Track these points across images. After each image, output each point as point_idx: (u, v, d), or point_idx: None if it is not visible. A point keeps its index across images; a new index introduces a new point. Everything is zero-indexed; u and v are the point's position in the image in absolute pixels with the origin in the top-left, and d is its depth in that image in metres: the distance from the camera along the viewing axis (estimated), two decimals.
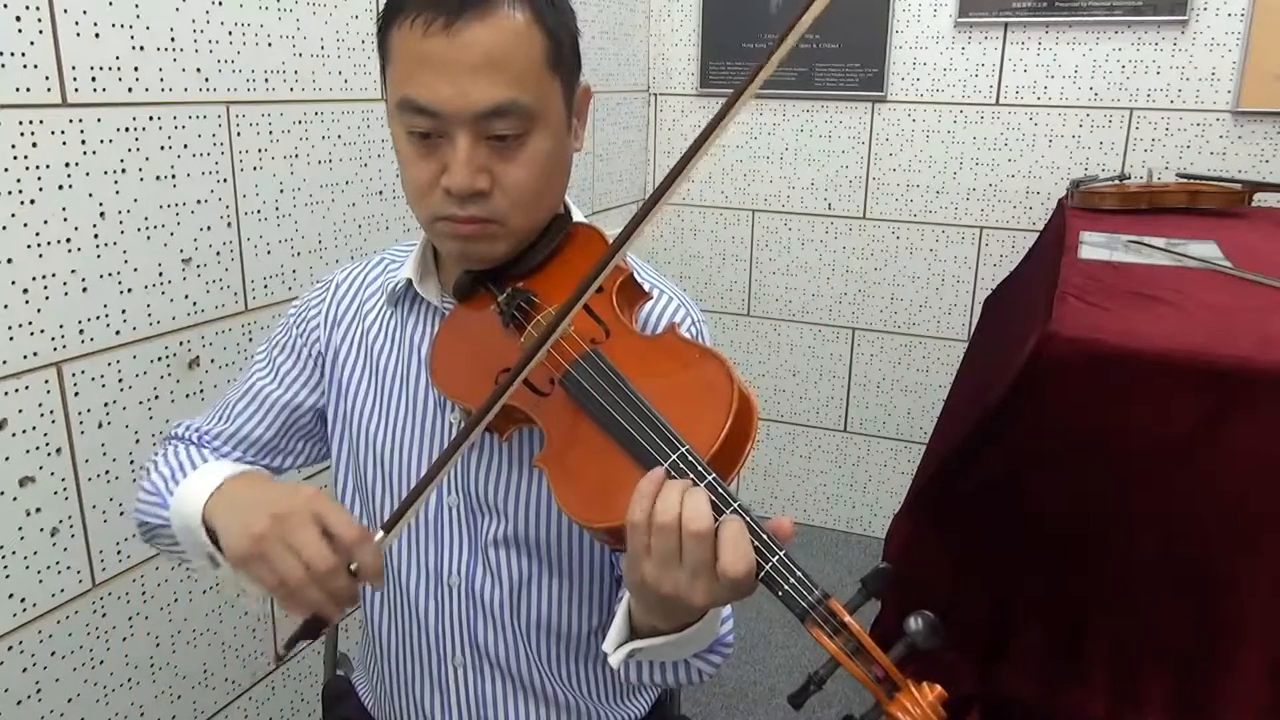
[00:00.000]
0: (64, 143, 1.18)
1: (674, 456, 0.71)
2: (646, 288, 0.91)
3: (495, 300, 0.90)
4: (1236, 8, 2.24)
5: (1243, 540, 1.10)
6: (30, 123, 1.14)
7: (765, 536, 0.68)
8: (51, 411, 1.21)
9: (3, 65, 1.10)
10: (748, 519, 0.68)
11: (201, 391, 1.42)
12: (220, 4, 1.37)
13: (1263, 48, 2.22)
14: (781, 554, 0.67)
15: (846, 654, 0.65)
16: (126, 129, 1.26)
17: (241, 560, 0.78)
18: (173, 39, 1.30)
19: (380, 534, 0.78)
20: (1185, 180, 2.15)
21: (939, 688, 0.64)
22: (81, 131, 1.20)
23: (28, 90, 1.13)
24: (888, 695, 0.64)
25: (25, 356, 1.17)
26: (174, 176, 1.33)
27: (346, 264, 1.08)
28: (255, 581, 0.77)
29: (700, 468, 0.70)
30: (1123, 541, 1.15)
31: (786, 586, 0.67)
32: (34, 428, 1.19)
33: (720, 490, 0.69)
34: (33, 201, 1.15)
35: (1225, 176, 2.18)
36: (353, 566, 0.75)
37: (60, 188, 1.18)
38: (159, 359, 1.35)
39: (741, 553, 0.66)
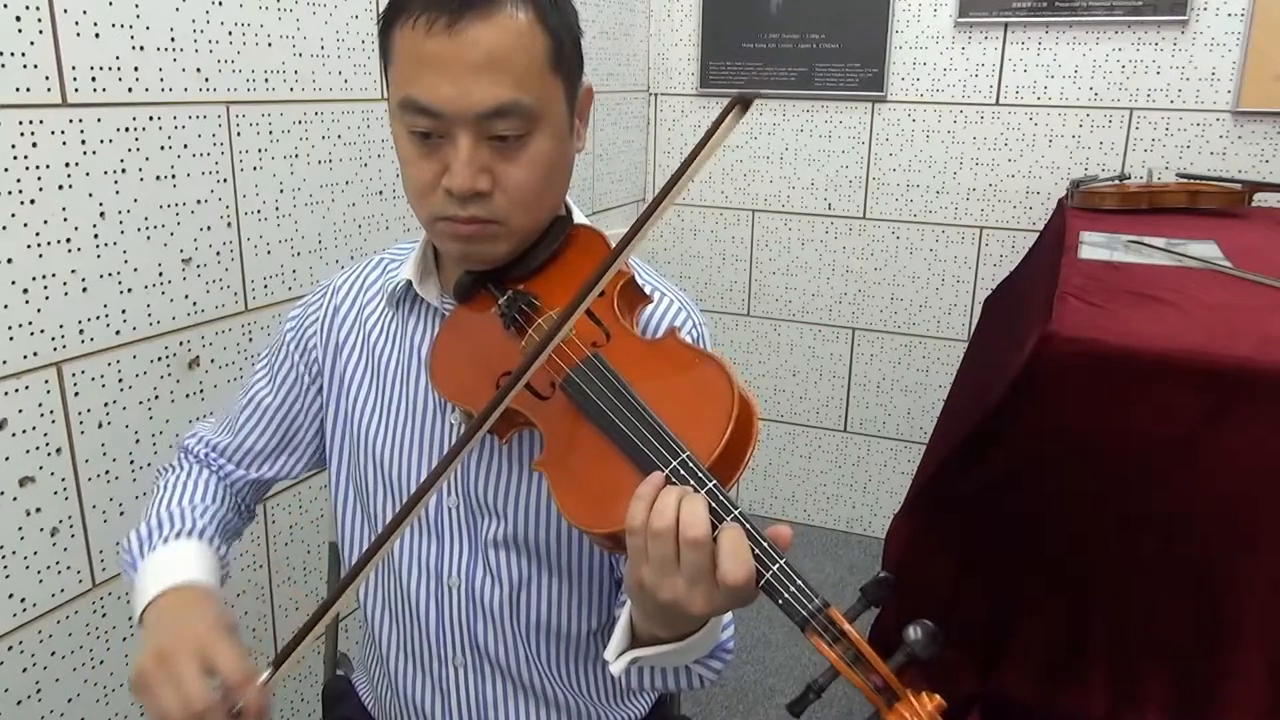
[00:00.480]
0: (64, 143, 1.18)
1: (674, 463, 0.70)
2: (648, 290, 0.91)
3: (496, 302, 0.89)
4: (1236, 8, 2.24)
5: (1243, 540, 1.10)
6: (30, 123, 1.14)
7: (766, 544, 0.68)
8: (51, 411, 1.21)
9: (3, 65, 1.10)
10: (748, 526, 0.68)
11: (201, 392, 1.42)
12: (220, 4, 1.37)
13: (1263, 48, 2.22)
14: (782, 562, 0.67)
15: (846, 663, 0.65)
16: (126, 129, 1.26)
17: (133, 691, 0.80)
18: (173, 39, 1.30)
19: (267, 672, 0.78)
20: (1185, 180, 2.15)
21: (938, 698, 0.64)
22: (81, 131, 1.20)
23: (28, 90, 1.13)
24: (887, 704, 0.64)
25: (25, 356, 1.17)
26: (174, 176, 1.33)
27: (344, 267, 1.08)
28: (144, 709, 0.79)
29: (701, 474, 0.70)
30: (1123, 541, 1.15)
31: (787, 595, 0.66)
32: (34, 428, 1.19)
33: (721, 497, 0.69)
34: (33, 201, 1.15)
35: (1225, 176, 2.18)
36: (236, 707, 0.76)
37: (60, 188, 1.18)
38: (159, 359, 1.35)
39: (741, 560, 0.66)
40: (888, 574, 0.67)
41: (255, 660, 1.57)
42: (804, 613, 0.66)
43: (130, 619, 1.35)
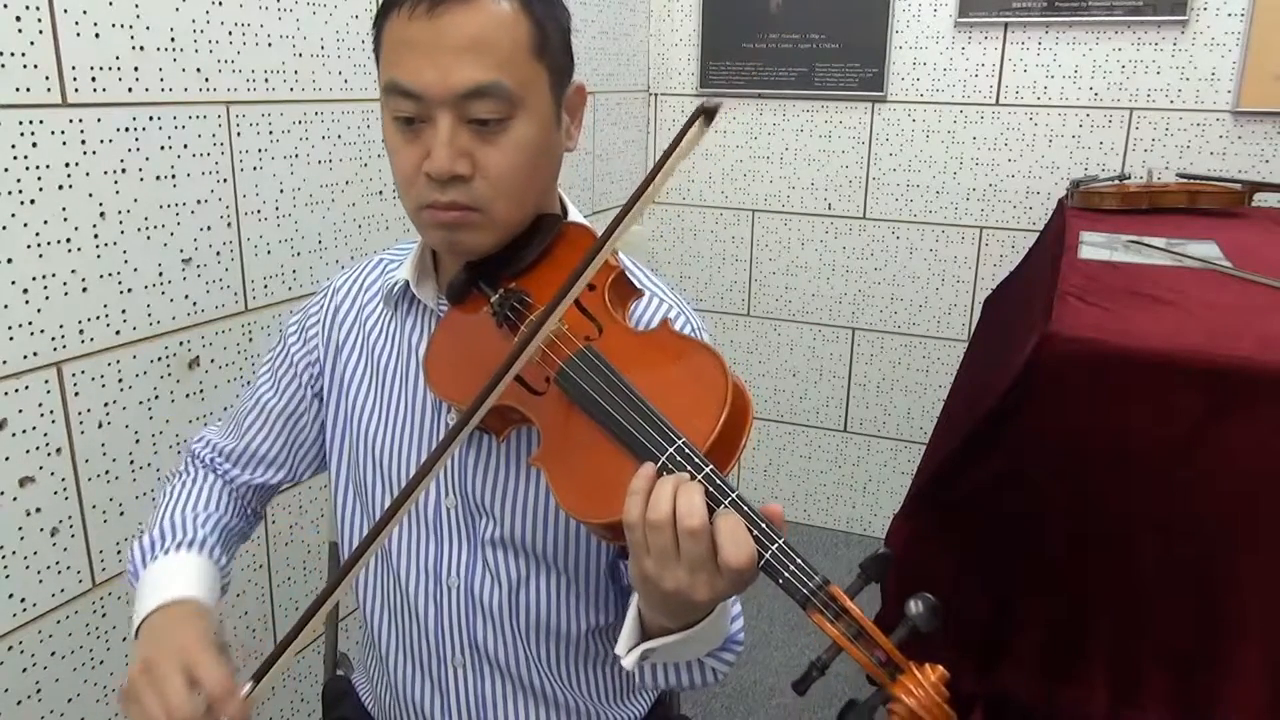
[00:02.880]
0: (64, 143, 1.18)
1: (670, 450, 0.71)
2: (638, 286, 0.91)
3: (489, 301, 0.90)
4: (1236, 8, 2.24)
5: (1243, 540, 1.10)
6: (30, 123, 1.14)
7: (764, 525, 0.68)
8: (51, 411, 1.21)
9: (3, 65, 1.10)
10: (745, 508, 0.68)
11: (201, 392, 1.42)
12: (220, 4, 1.37)
13: (1263, 48, 2.22)
14: (781, 541, 0.68)
15: (848, 638, 0.65)
16: (126, 129, 1.26)
17: (120, 701, 0.81)
18: (173, 39, 1.30)
19: (249, 685, 0.79)
20: (1185, 180, 2.15)
21: (940, 668, 0.64)
22: (81, 131, 1.20)
23: (28, 90, 1.13)
24: (890, 677, 0.65)
25: (25, 356, 1.17)
26: (174, 176, 1.33)
27: (343, 268, 1.08)
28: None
29: (697, 459, 0.70)
30: (1123, 541, 1.15)
31: (787, 574, 0.67)
32: (34, 428, 1.19)
33: (718, 481, 0.69)
34: (33, 201, 1.15)
35: (1225, 176, 2.18)
36: (218, 718, 0.77)
37: (60, 188, 1.18)
38: (159, 359, 1.35)
39: (741, 543, 0.67)
40: (886, 549, 0.67)
41: (256, 660, 1.57)
42: (805, 590, 0.66)
43: (130, 619, 1.35)
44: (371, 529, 0.77)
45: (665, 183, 0.75)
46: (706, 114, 0.71)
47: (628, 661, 0.80)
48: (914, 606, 0.65)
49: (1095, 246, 1.66)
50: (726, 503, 0.68)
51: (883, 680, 0.65)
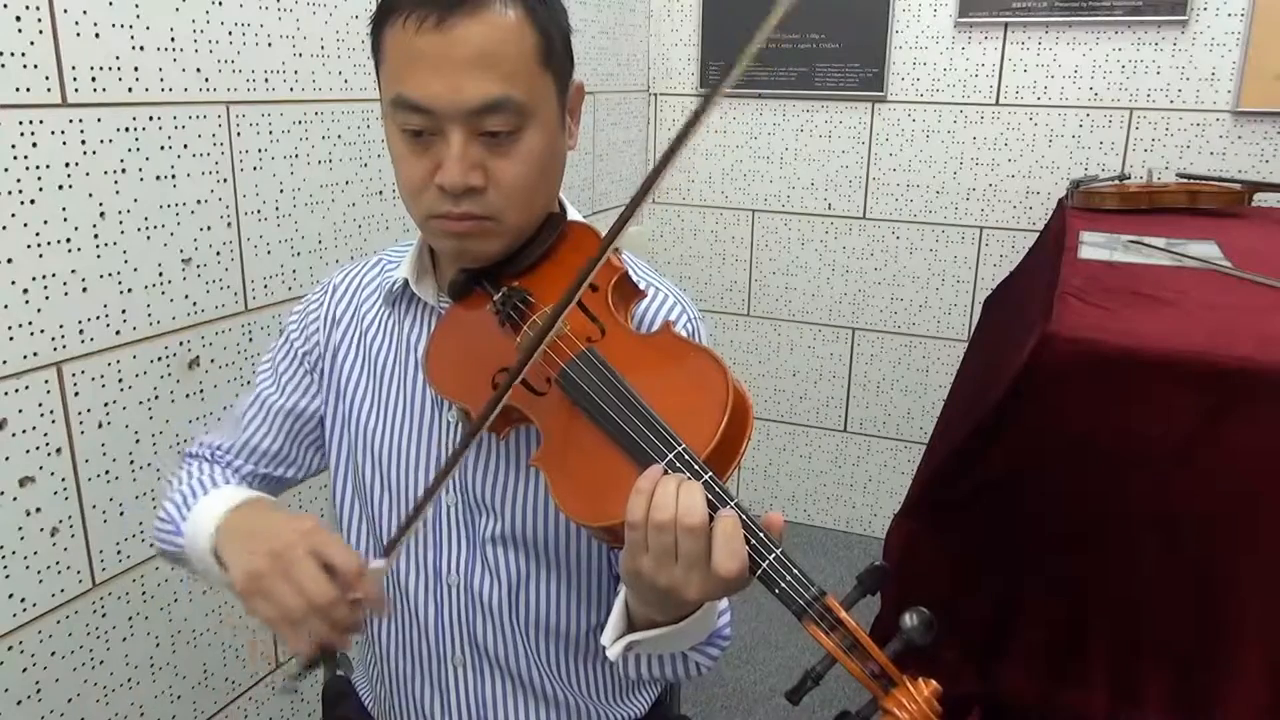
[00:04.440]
0: (64, 143, 1.18)
1: (670, 455, 0.71)
2: (642, 286, 0.91)
3: (491, 299, 0.90)
4: (1236, 8, 2.24)
5: (1243, 540, 1.10)
6: (30, 123, 1.14)
7: (762, 534, 0.68)
8: (51, 411, 1.21)
9: (3, 65, 1.10)
10: (744, 517, 0.69)
11: (201, 391, 1.42)
12: (220, 4, 1.37)
13: (1263, 48, 2.22)
14: (778, 552, 0.68)
15: (843, 650, 0.65)
16: (126, 129, 1.26)
17: (245, 596, 0.80)
18: (173, 39, 1.30)
19: (380, 561, 0.80)
20: (1185, 180, 2.15)
21: (934, 683, 0.64)
22: (81, 131, 1.20)
23: (28, 90, 1.13)
24: (884, 691, 0.65)
25: (25, 356, 1.17)
26: (174, 176, 1.33)
27: (343, 266, 1.08)
28: (257, 614, 0.79)
29: (697, 466, 0.70)
30: (1123, 541, 1.15)
31: (783, 584, 0.67)
32: (34, 428, 1.19)
33: (717, 488, 0.69)
34: (33, 201, 1.15)
35: (1225, 176, 2.18)
36: (354, 596, 0.77)
37: (60, 188, 1.18)
38: (159, 359, 1.35)
39: (733, 550, 0.67)
40: (883, 562, 0.67)
41: (256, 660, 1.56)
42: (800, 601, 0.66)
43: (130, 619, 1.35)
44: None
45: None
46: None
47: (612, 652, 0.80)
48: (909, 620, 0.65)
49: (1095, 246, 1.66)
50: (726, 508, 0.68)
51: (876, 693, 0.65)
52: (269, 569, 0.77)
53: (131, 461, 1.32)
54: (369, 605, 0.78)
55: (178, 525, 0.95)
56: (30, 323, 1.17)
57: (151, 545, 1.28)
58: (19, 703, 1.21)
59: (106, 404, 1.28)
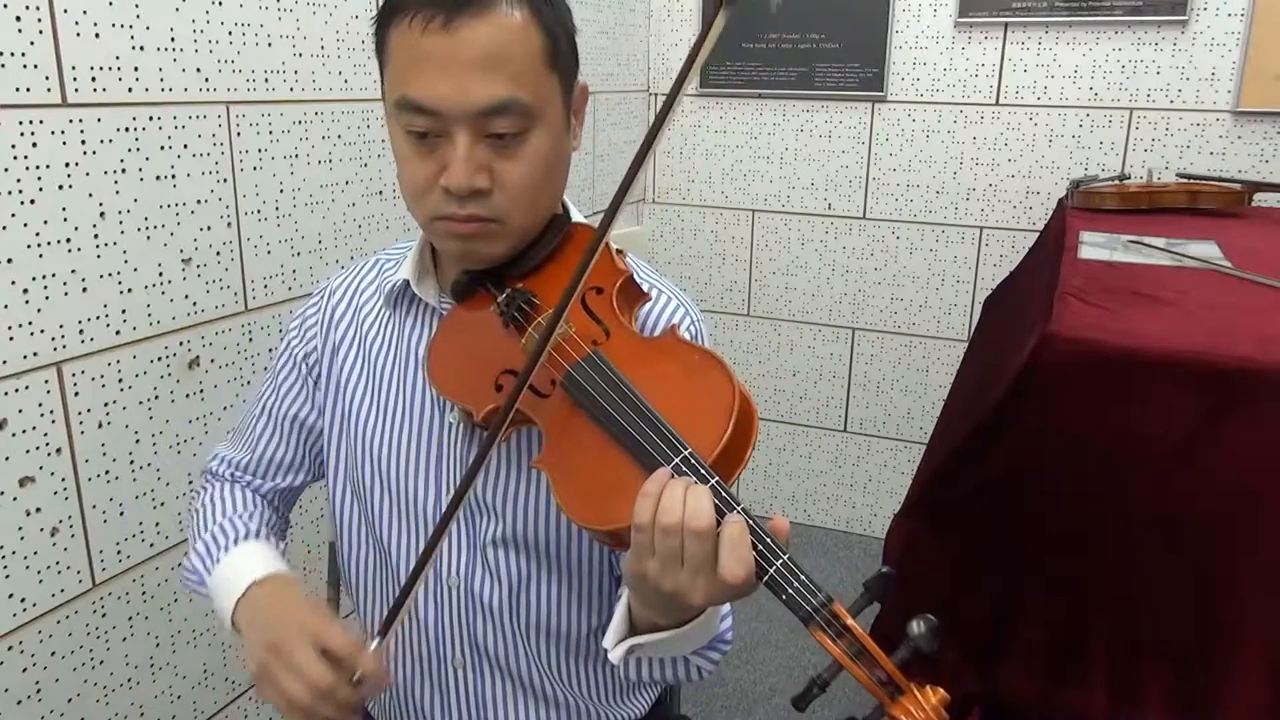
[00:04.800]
0: (64, 143, 1.18)
1: (676, 459, 0.70)
2: (646, 288, 0.91)
3: (494, 300, 0.89)
4: (1236, 8, 2.24)
5: (1243, 540, 1.10)
6: (30, 123, 1.14)
7: (769, 540, 0.68)
8: (51, 411, 1.21)
9: (3, 65, 1.10)
10: (751, 522, 0.68)
11: (201, 392, 1.42)
12: (220, 4, 1.37)
13: (1263, 48, 2.22)
14: (786, 558, 0.67)
15: (850, 657, 0.65)
16: (126, 129, 1.26)
17: (256, 684, 0.83)
18: (173, 39, 1.30)
19: (376, 640, 0.82)
20: (1185, 180, 2.15)
21: (942, 691, 0.64)
22: (81, 131, 1.20)
23: (28, 90, 1.13)
24: (891, 698, 0.64)
25: (25, 356, 1.17)
26: (174, 176, 1.33)
27: (340, 270, 1.08)
28: (269, 701, 0.82)
29: (703, 471, 0.70)
30: (1123, 541, 1.15)
31: (790, 590, 0.67)
32: (34, 428, 1.19)
33: (724, 493, 0.69)
34: (33, 201, 1.15)
35: (1225, 176, 2.18)
36: (355, 676, 0.80)
37: (60, 188, 1.18)
38: (159, 359, 1.35)
39: (740, 556, 0.67)
40: (889, 569, 0.67)
41: None
42: (808, 608, 0.66)
43: (130, 619, 1.35)
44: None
45: (689, 83, 0.73)
46: (727, 1, 0.70)
47: (614, 655, 0.80)
48: (916, 627, 0.64)
49: (1095, 246, 1.66)
50: (732, 513, 0.68)
51: (883, 700, 0.65)
52: (271, 661, 0.80)
53: (131, 461, 1.32)
54: (371, 682, 0.81)
55: (202, 577, 0.98)
56: (30, 323, 1.17)
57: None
58: (19, 703, 1.21)
59: (106, 404, 1.28)
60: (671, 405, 0.74)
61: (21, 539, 1.19)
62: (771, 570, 0.67)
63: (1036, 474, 1.18)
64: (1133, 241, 1.67)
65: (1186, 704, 1.14)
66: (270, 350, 1.52)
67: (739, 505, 0.68)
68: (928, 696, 0.64)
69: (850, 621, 0.66)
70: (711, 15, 0.70)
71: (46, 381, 1.20)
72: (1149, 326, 1.19)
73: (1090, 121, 2.42)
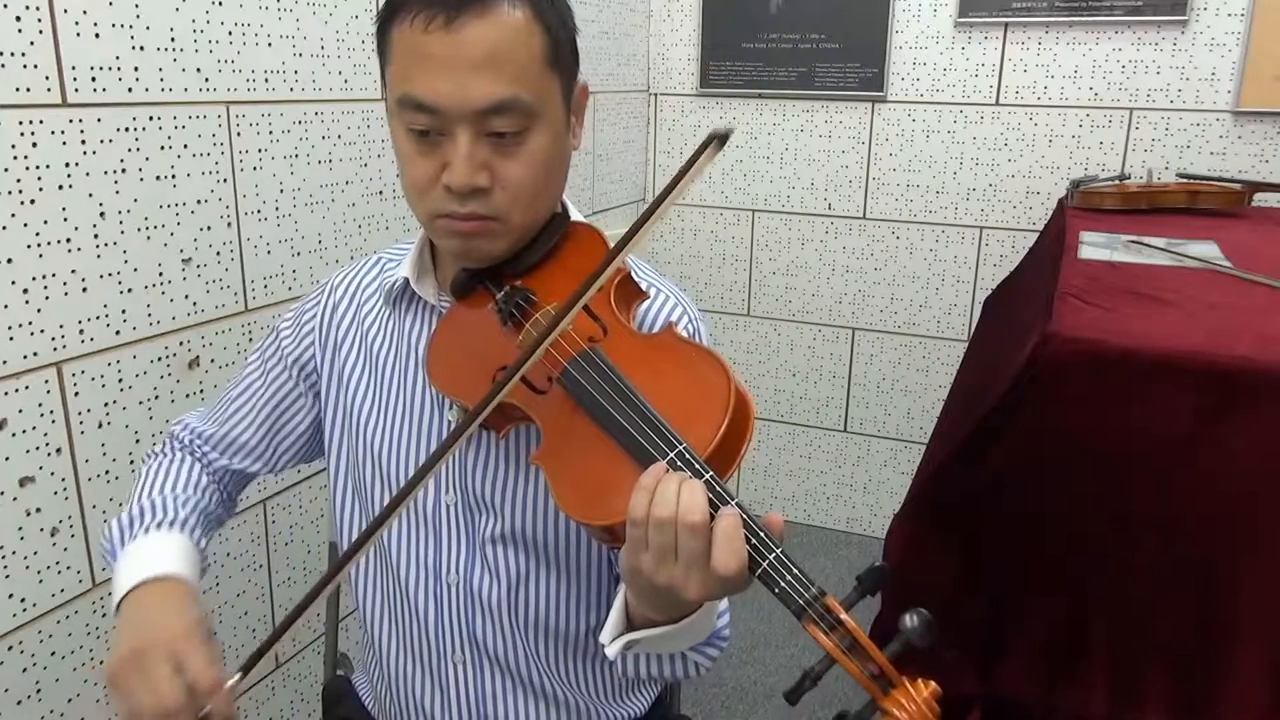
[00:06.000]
0: (64, 143, 1.18)
1: (671, 454, 0.71)
2: (644, 287, 0.92)
3: (493, 298, 0.90)
4: (1236, 8, 2.24)
5: (1243, 540, 1.10)
6: (30, 123, 1.14)
7: (762, 534, 0.69)
8: (51, 411, 1.21)
9: (3, 65, 1.10)
10: (745, 516, 0.69)
11: (201, 391, 1.42)
12: (220, 4, 1.37)
13: (1263, 48, 2.22)
14: (778, 551, 0.68)
15: (842, 650, 0.65)
16: (126, 129, 1.26)
17: (109, 683, 0.81)
18: (173, 39, 1.30)
19: (235, 677, 0.80)
20: (1185, 180, 2.15)
21: (934, 684, 0.64)
22: (81, 131, 1.20)
23: (28, 90, 1.13)
24: (883, 691, 0.65)
25: (25, 356, 1.17)
26: (174, 176, 1.33)
27: (341, 267, 1.08)
28: (116, 703, 0.80)
29: (698, 465, 0.70)
30: (1123, 541, 1.15)
31: (783, 584, 0.67)
32: (34, 428, 1.19)
33: (717, 488, 0.70)
34: (33, 201, 1.15)
35: (1225, 176, 2.18)
36: (203, 712, 0.77)
37: (60, 188, 1.18)
38: (159, 359, 1.35)
39: (734, 550, 0.67)
40: (883, 563, 0.68)
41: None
42: (800, 601, 0.66)
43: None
44: (370, 523, 0.78)
45: (675, 201, 0.75)
46: (719, 139, 0.71)
47: (611, 651, 0.80)
48: (909, 621, 0.65)
49: (1095, 246, 1.66)
50: (727, 508, 0.68)
51: (875, 693, 0.65)
52: (127, 665, 0.79)
53: (131, 461, 1.32)
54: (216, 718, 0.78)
55: (115, 550, 0.95)
56: (30, 323, 1.17)
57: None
58: (19, 703, 1.21)
59: (106, 404, 1.28)
60: (667, 401, 0.75)
61: (21, 539, 1.19)
62: (764, 564, 0.68)
63: (1036, 474, 1.18)
64: (1133, 241, 1.67)
65: (1186, 704, 1.14)
66: None
67: (734, 500, 0.69)
68: (919, 689, 0.64)
69: (843, 615, 0.66)
70: (701, 149, 0.72)
71: (46, 381, 1.20)
72: (1149, 326, 1.19)
73: (1090, 121, 2.42)
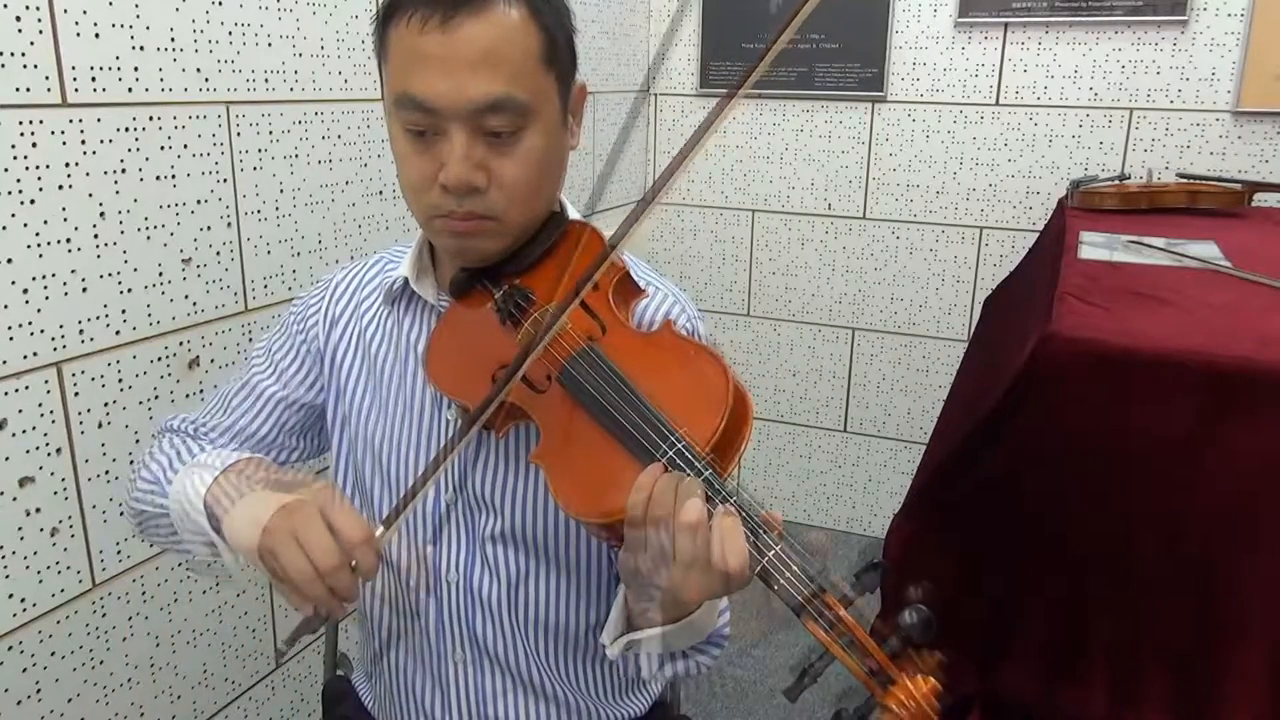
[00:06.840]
0: (64, 143, 1.18)
1: (670, 451, 0.71)
2: (642, 285, 0.92)
3: (492, 297, 0.90)
4: (1236, 8, 2.24)
5: (1243, 540, 1.10)
6: (30, 123, 1.14)
7: (761, 531, 0.69)
8: (51, 411, 1.21)
9: (3, 65, 1.10)
10: (744, 513, 0.69)
11: (201, 392, 1.42)
12: (220, 4, 1.37)
13: (1263, 48, 2.22)
14: (777, 549, 0.68)
15: (841, 647, 0.66)
16: (126, 129, 1.26)
17: (249, 551, 0.80)
18: (173, 39, 1.30)
19: (380, 529, 0.80)
20: (1185, 180, 2.15)
21: (933, 680, 0.65)
22: (81, 131, 1.20)
23: (28, 90, 1.13)
24: (881, 687, 0.65)
25: (25, 356, 1.17)
26: (174, 176, 1.33)
27: (345, 264, 1.08)
28: (262, 571, 0.79)
29: (697, 463, 0.70)
30: (1123, 541, 1.15)
31: (782, 580, 0.67)
32: (34, 428, 1.19)
33: (716, 485, 0.70)
34: (33, 201, 1.15)
35: (1225, 176, 2.18)
36: (351, 564, 0.77)
37: (60, 188, 1.18)
38: (159, 359, 1.35)
39: (734, 547, 0.67)
40: (881, 559, 0.68)
41: (256, 660, 1.56)
42: (799, 598, 0.67)
43: (130, 619, 1.35)
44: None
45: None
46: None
47: (612, 651, 0.81)
48: (908, 617, 0.65)
49: (1095, 246, 1.66)
50: (726, 505, 0.69)
51: (874, 690, 0.65)
52: (279, 526, 0.78)
53: (131, 462, 1.32)
54: (363, 575, 0.78)
55: (162, 485, 0.93)
56: (30, 323, 1.17)
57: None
58: (19, 703, 1.21)
59: (106, 404, 1.28)
60: (666, 398, 0.75)
61: (21, 539, 1.19)
62: (764, 561, 0.68)
63: (1036, 474, 1.18)
64: (1133, 241, 1.67)
65: (1186, 704, 1.14)
66: None
67: (733, 497, 0.69)
68: (919, 685, 0.64)
69: (842, 612, 0.66)
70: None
71: (46, 381, 1.20)
72: (1149, 326, 1.19)
73: (1090, 121, 2.42)
